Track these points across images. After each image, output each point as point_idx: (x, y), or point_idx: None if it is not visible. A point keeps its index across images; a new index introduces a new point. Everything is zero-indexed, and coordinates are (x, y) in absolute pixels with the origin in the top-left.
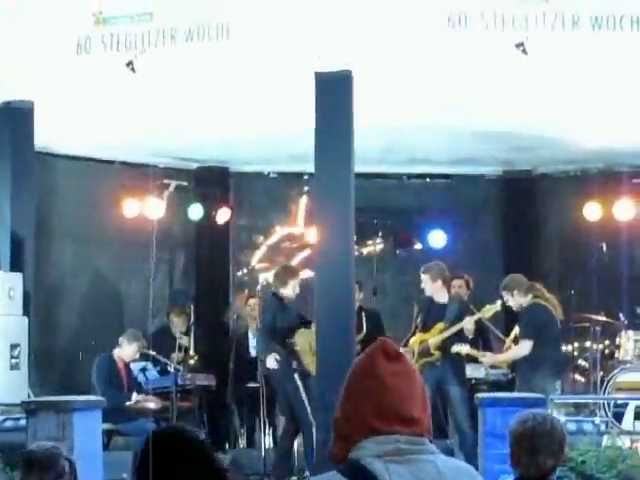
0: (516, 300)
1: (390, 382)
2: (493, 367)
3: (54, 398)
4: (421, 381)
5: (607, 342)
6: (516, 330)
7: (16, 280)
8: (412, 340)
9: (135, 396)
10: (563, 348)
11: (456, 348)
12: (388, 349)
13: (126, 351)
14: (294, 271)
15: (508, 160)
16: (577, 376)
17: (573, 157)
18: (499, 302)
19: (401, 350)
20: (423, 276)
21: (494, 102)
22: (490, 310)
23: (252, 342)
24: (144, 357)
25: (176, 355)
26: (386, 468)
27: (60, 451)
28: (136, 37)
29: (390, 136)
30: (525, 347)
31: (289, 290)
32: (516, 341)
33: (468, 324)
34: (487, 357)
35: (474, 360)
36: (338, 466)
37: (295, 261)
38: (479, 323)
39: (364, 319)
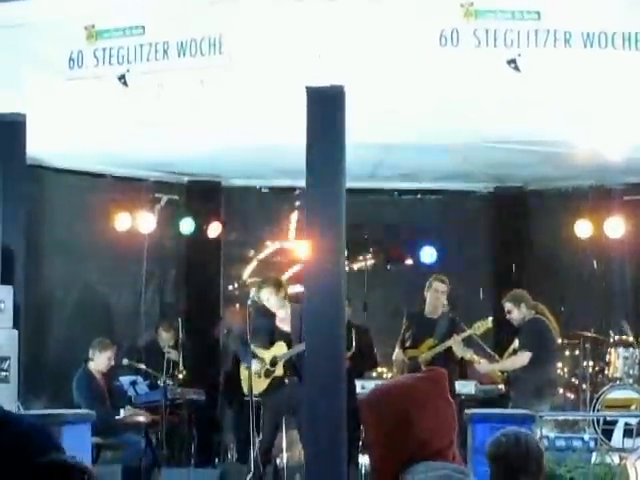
0: (522, 312)
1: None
2: (484, 383)
3: (44, 411)
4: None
5: (597, 359)
6: (515, 343)
7: (6, 293)
8: (402, 355)
9: (123, 411)
10: None
11: (460, 353)
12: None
13: (99, 361)
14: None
15: (499, 176)
16: (567, 393)
17: (564, 174)
18: (490, 319)
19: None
20: (443, 286)
21: (486, 119)
22: (481, 327)
23: None
24: (134, 371)
25: (164, 369)
26: None
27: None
28: (129, 51)
29: (381, 152)
30: (524, 358)
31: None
32: (515, 354)
33: (455, 343)
34: (482, 364)
35: (464, 376)
36: None
37: (286, 276)
38: (467, 339)
39: (353, 335)
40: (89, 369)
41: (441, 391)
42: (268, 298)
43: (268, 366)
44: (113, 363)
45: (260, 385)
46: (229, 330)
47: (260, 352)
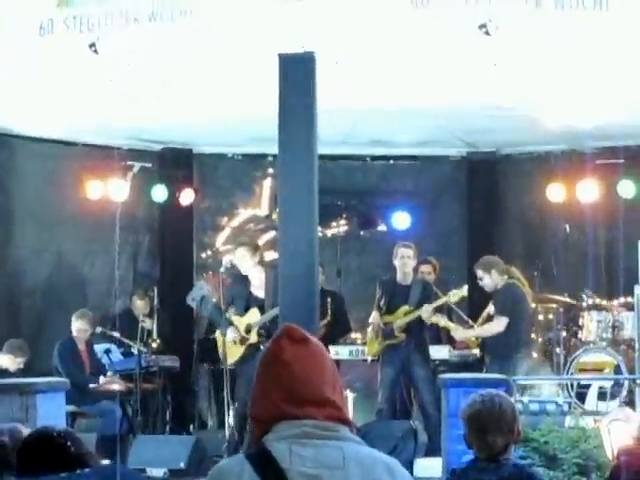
0: (493, 279)
1: (297, 366)
2: (458, 348)
3: (17, 380)
4: (331, 363)
5: (570, 323)
6: (490, 309)
7: None
8: (378, 319)
9: (102, 378)
10: None
11: (434, 319)
12: (293, 334)
13: (74, 329)
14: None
15: (472, 141)
16: (540, 357)
17: (537, 138)
18: (465, 287)
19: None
20: (409, 251)
21: (457, 83)
22: (456, 295)
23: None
24: (108, 339)
25: (139, 337)
26: (289, 450)
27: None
28: (99, 18)
29: (353, 117)
30: (500, 324)
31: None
32: (489, 319)
33: (425, 313)
34: (459, 331)
35: (438, 341)
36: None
37: (259, 243)
38: (444, 306)
39: (328, 303)
40: (72, 337)
41: (317, 351)
42: (243, 256)
43: (243, 333)
44: (88, 334)
45: (235, 353)
46: (203, 297)
47: (236, 320)
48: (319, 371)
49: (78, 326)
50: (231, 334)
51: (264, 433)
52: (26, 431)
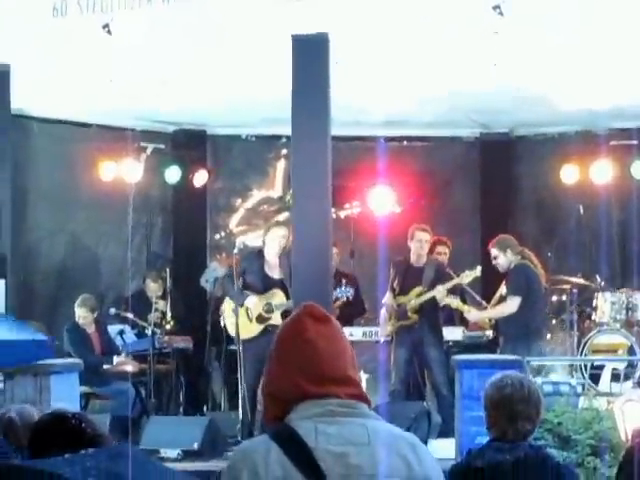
0: (508, 258)
1: (320, 344)
2: (471, 329)
3: None
4: (348, 342)
5: (584, 304)
6: (502, 290)
7: None
8: (392, 300)
9: (116, 359)
10: None
11: (448, 300)
12: (315, 312)
13: (77, 315)
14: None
15: (485, 122)
16: (554, 338)
17: (551, 119)
18: (479, 268)
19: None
20: (425, 234)
21: (471, 64)
22: (469, 276)
23: None
24: (122, 320)
25: (152, 319)
26: (315, 429)
27: None
28: None
29: (367, 98)
30: (514, 304)
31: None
32: (502, 300)
33: (438, 293)
34: (472, 313)
35: (451, 322)
36: (270, 429)
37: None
38: (457, 287)
39: (343, 284)
40: (77, 321)
41: (337, 331)
42: (283, 237)
43: (262, 312)
44: (90, 320)
45: (250, 329)
46: (217, 278)
47: (255, 297)
48: (341, 349)
49: (79, 313)
50: (250, 302)
51: (284, 411)
52: (35, 412)
